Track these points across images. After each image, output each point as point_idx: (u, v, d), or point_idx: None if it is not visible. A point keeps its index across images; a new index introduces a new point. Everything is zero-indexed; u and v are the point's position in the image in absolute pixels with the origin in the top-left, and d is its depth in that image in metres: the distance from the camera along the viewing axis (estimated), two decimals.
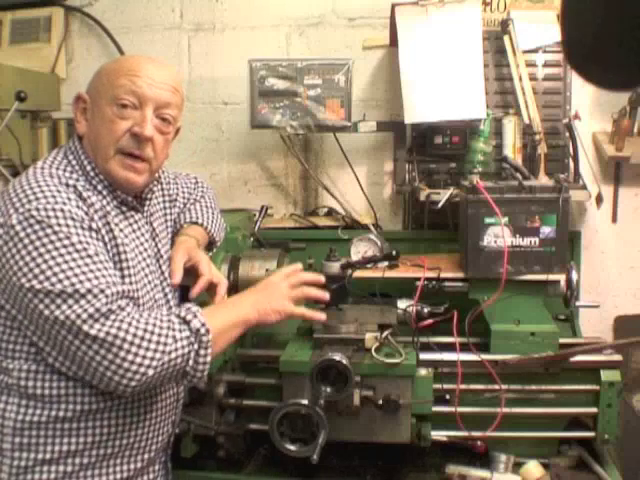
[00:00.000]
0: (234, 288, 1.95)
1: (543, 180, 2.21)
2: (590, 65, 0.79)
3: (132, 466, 1.44)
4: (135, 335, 1.24)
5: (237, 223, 2.18)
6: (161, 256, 1.54)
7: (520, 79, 2.34)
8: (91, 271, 1.25)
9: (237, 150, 2.79)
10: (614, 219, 2.59)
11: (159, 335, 1.26)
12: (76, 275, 1.23)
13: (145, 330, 1.25)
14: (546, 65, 2.44)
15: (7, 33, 2.85)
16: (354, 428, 1.84)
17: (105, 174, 1.40)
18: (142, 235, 1.48)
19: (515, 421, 1.88)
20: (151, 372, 1.25)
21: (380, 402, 1.79)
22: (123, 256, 1.37)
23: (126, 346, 1.23)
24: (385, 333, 1.89)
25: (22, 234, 1.23)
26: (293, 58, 2.54)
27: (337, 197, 2.71)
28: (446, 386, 1.87)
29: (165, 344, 1.26)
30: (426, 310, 1.91)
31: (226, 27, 2.75)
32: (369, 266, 2.00)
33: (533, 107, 2.30)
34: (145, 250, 1.47)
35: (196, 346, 1.30)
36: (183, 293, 1.64)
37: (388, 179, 2.69)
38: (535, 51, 2.42)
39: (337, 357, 1.73)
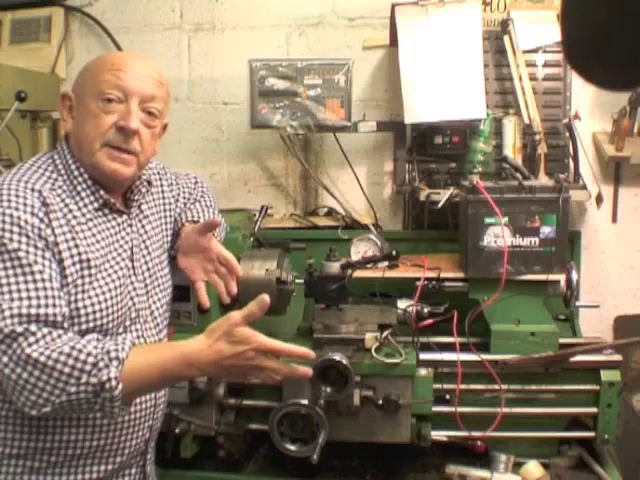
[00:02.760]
0: None
1: (543, 180, 2.21)
2: (590, 65, 0.79)
3: (102, 467, 1.42)
4: (35, 367, 1.19)
5: (237, 223, 2.18)
6: (151, 259, 1.52)
7: (520, 79, 2.34)
8: (16, 283, 1.23)
9: (237, 150, 2.79)
10: (614, 219, 2.59)
11: (60, 373, 1.20)
12: (0, 285, 1.22)
13: (45, 365, 1.19)
14: (546, 65, 2.44)
15: (7, 33, 2.85)
16: (354, 428, 1.84)
17: (91, 169, 1.39)
18: (122, 238, 1.46)
19: (515, 421, 1.89)
20: (48, 408, 1.21)
21: (380, 402, 1.79)
22: (92, 262, 1.34)
23: (25, 375, 1.19)
24: (385, 333, 1.89)
25: None
26: (293, 58, 2.53)
27: (337, 197, 2.71)
28: (446, 386, 1.87)
29: (66, 383, 1.20)
30: (426, 310, 1.91)
31: (226, 27, 2.75)
32: (369, 266, 2.00)
33: (533, 107, 2.30)
34: (120, 254, 1.44)
35: (103, 395, 1.22)
36: (182, 293, 1.64)
37: (388, 179, 2.69)
38: (535, 51, 2.41)
39: (337, 357, 1.73)
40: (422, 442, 1.86)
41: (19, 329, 1.20)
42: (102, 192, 1.40)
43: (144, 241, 1.52)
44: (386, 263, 2.00)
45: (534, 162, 2.29)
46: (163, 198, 1.63)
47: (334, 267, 1.92)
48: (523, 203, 1.88)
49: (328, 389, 1.74)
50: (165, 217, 1.63)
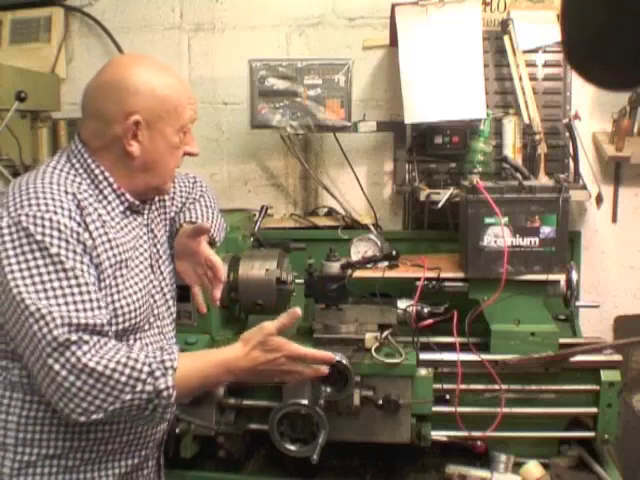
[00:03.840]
0: (234, 288, 1.95)
1: (543, 180, 2.21)
2: (590, 65, 0.79)
3: (130, 462, 1.46)
4: (90, 375, 1.20)
5: (237, 223, 2.18)
6: (160, 257, 1.54)
7: (520, 79, 2.34)
8: (61, 287, 1.23)
9: (237, 150, 2.79)
10: (614, 219, 2.59)
11: (117, 381, 1.22)
12: (45, 290, 1.22)
13: (102, 374, 1.21)
14: (546, 65, 2.44)
15: (7, 33, 2.85)
16: (354, 428, 1.84)
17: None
18: (141, 237, 1.49)
19: (515, 421, 1.89)
20: (101, 414, 1.23)
21: (380, 402, 1.79)
22: (124, 263, 1.37)
23: (79, 383, 1.20)
24: (385, 333, 1.89)
25: (7, 238, 1.24)
26: (293, 58, 2.54)
27: (337, 197, 2.71)
28: (446, 386, 1.87)
29: (121, 391, 1.22)
30: (426, 310, 1.91)
31: (226, 27, 2.75)
32: (369, 266, 2.00)
33: (533, 107, 2.30)
34: (142, 253, 1.47)
35: (156, 402, 1.26)
36: (182, 293, 1.64)
37: (388, 179, 2.69)
38: (535, 51, 2.42)
39: (337, 357, 1.73)
40: (422, 442, 1.86)
41: (73, 337, 1.21)
42: (127, 195, 1.43)
43: (152, 239, 1.54)
44: (386, 263, 2.00)
45: (534, 162, 2.29)
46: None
47: (334, 267, 1.92)
48: (523, 203, 1.88)
49: (328, 389, 1.74)
50: (162, 214, 1.64)
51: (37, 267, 1.23)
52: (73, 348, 1.20)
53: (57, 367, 1.20)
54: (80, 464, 1.38)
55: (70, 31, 2.86)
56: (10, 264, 1.22)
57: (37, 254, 1.23)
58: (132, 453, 1.46)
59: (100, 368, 1.21)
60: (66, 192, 1.32)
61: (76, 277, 1.25)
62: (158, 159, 1.41)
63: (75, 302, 1.23)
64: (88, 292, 1.26)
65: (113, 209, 1.40)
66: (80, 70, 2.83)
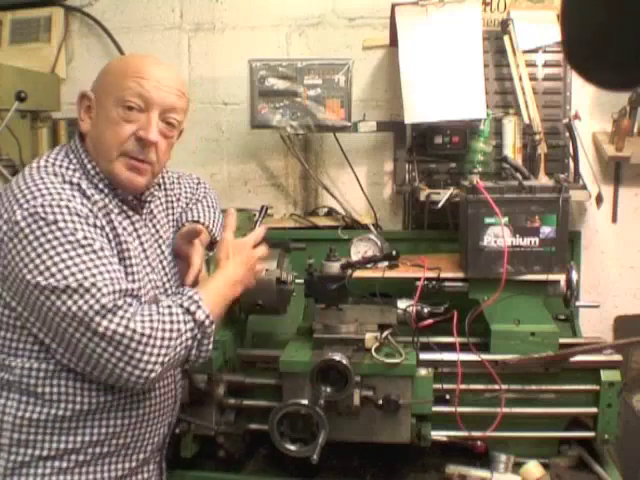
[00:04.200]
0: None
1: (543, 180, 2.21)
2: (590, 65, 0.79)
3: (127, 465, 1.46)
4: (143, 334, 1.25)
5: (237, 223, 2.18)
6: (165, 257, 1.55)
7: (520, 79, 2.34)
8: (96, 266, 1.25)
9: (237, 150, 2.79)
10: (614, 219, 2.59)
11: (163, 330, 1.27)
12: (81, 271, 1.23)
13: (152, 328, 1.26)
14: (546, 65, 2.44)
15: (7, 33, 2.85)
16: (354, 428, 1.84)
17: (107, 174, 1.41)
18: (143, 235, 1.49)
19: (515, 421, 1.88)
20: (159, 368, 1.27)
21: (380, 402, 1.79)
22: (127, 254, 1.39)
23: (133, 345, 1.24)
24: (385, 333, 1.89)
25: (27, 230, 1.24)
26: (293, 58, 2.54)
27: (337, 197, 2.71)
28: (446, 386, 1.87)
29: (170, 339, 1.28)
30: (426, 310, 1.91)
31: (226, 27, 2.75)
32: (369, 266, 2.00)
33: (533, 107, 2.30)
34: (145, 250, 1.48)
35: (199, 336, 1.33)
36: None
37: (388, 179, 2.69)
38: (535, 51, 2.42)
39: (337, 357, 1.73)
40: (422, 442, 1.86)
41: (120, 302, 1.25)
42: (120, 190, 1.43)
43: (156, 240, 1.55)
44: (386, 263, 2.00)
45: (534, 162, 2.29)
46: (166, 196, 1.66)
47: (334, 267, 1.92)
48: (523, 203, 1.88)
49: (328, 389, 1.74)
50: (169, 215, 1.65)
51: (66, 251, 1.24)
52: (120, 312, 1.24)
53: (110, 332, 1.23)
54: (74, 466, 1.38)
55: (70, 31, 2.86)
56: (39, 255, 1.23)
57: (62, 240, 1.24)
58: (129, 456, 1.46)
59: (148, 324, 1.26)
60: (70, 182, 1.34)
61: (106, 256, 1.29)
62: (100, 134, 1.39)
63: (112, 277, 1.27)
64: (119, 270, 1.31)
65: (110, 201, 1.41)
66: (80, 70, 2.83)
